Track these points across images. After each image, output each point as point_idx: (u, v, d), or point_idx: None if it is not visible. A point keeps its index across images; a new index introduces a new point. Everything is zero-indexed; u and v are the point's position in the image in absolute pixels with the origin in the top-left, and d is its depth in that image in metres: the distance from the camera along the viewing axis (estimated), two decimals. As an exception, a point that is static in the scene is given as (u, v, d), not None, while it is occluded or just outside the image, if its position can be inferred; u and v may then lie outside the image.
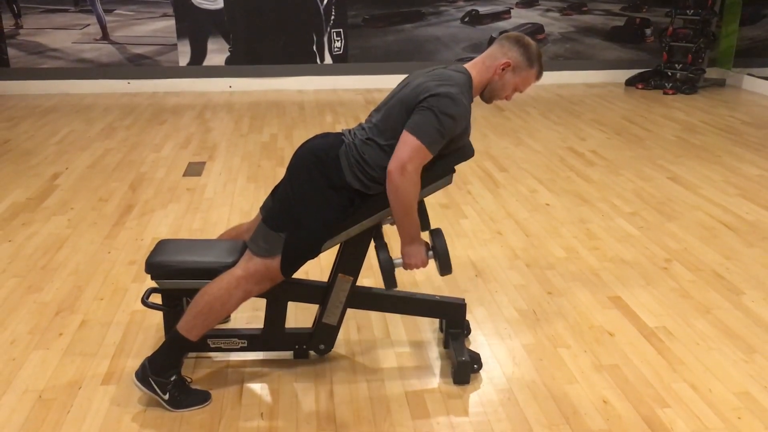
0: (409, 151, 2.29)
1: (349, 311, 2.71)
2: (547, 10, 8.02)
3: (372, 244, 2.54)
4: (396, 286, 2.48)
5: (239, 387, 2.56)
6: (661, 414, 2.42)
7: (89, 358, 2.71)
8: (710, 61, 8.09)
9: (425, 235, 2.51)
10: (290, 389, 2.55)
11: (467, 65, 2.47)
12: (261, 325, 2.64)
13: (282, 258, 2.39)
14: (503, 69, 2.43)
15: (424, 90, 2.32)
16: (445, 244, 2.44)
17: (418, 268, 2.47)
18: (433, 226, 2.56)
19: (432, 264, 2.57)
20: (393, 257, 2.46)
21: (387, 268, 2.42)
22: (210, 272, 2.46)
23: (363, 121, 2.55)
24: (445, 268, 2.45)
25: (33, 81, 7.49)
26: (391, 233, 2.89)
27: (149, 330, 2.90)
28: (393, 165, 2.29)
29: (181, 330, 2.40)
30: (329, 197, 2.40)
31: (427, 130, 2.28)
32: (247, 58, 7.71)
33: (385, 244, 2.49)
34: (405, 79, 2.50)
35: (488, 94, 2.48)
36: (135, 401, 2.46)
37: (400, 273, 3.41)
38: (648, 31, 8.20)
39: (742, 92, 7.73)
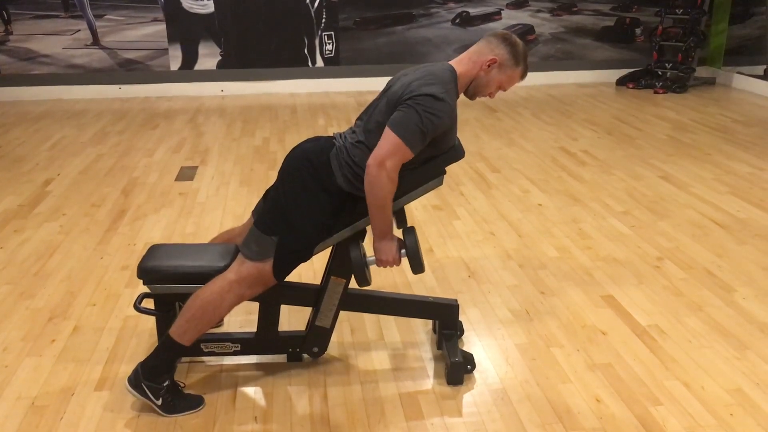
0: (389, 147, 2.29)
1: (343, 313, 2.71)
2: (538, 11, 8.04)
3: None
4: (369, 283, 2.46)
5: (233, 391, 2.56)
6: (654, 412, 2.42)
7: (82, 364, 2.70)
8: (700, 60, 8.12)
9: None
10: (284, 392, 2.55)
11: (453, 61, 2.47)
12: (254, 329, 2.64)
13: (274, 261, 2.40)
14: (489, 65, 2.43)
15: (408, 90, 2.32)
16: (416, 242, 2.42)
17: (390, 265, 2.45)
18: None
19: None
20: (367, 255, 2.45)
21: (358, 265, 2.40)
22: (202, 277, 2.46)
23: (354, 123, 2.55)
24: (416, 266, 2.43)
25: (24, 87, 7.47)
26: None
27: (142, 335, 2.90)
28: (372, 159, 2.30)
29: (174, 335, 2.40)
30: (320, 200, 2.40)
31: (408, 127, 2.28)
32: (239, 62, 7.70)
33: (357, 242, 2.47)
34: (391, 80, 2.50)
35: (472, 90, 2.49)
36: (128, 407, 2.45)
37: (395, 274, 3.42)
38: (638, 31, 8.23)
39: (732, 91, 7.76)
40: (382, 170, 2.28)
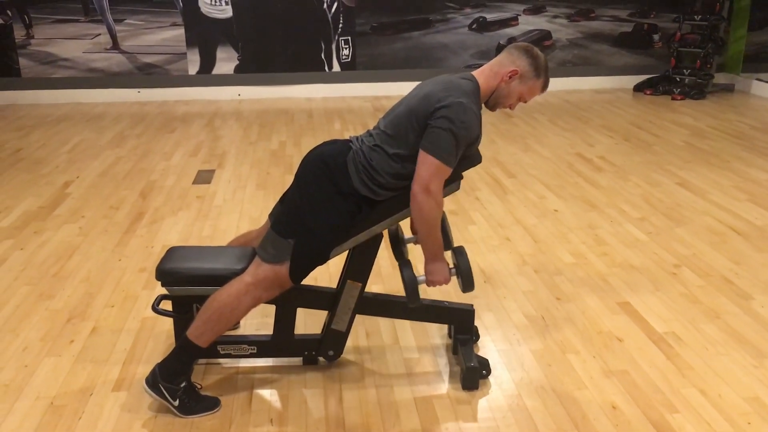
0: (429, 170, 2.34)
1: (358, 317, 2.72)
2: (555, 17, 8.03)
3: (392, 261, 2.56)
4: (420, 302, 2.51)
5: (249, 393, 2.57)
6: (670, 419, 2.41)
7: (100, 365, 2.73)
8: (719, 67, 8.07)
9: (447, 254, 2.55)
10: (299, 395, 2.56)
11: (475, 72, 2.48)
12: (270, 332, 2.65)
13: (291, 264, 2.41)
14: (510, 77, 2.44)
15: (434, 101, 2.34)
16: (468, 262, 2.48)
17: (441, 285, 2.52)
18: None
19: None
20: (417, 275, 2.49)
21: (411, 285, 2.46)
22: (220, 279, 2.47)
23: (371, 128, 2.57)
24: (467, 285, 2.49)
25: (44, 90, 7.56)
26: (414, 251, 2.92)
27: (160, 337, 2.92)
28: (416, 186, 2.35)
29: (191, 336, 2.42)
30: (337, 203, 2.42)
31: (442, 146, 2.32)
32: (256, 67, 7.75)
33: (409, 262, 2.53)
34: (414, 88, 2.51)
35: (493, 101, 2.50)
36: (145, 407, 2.47)
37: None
38: (656, 37, 8.20)
39: (750, 97, 7.71)
40: (429, 195, 2.34)
